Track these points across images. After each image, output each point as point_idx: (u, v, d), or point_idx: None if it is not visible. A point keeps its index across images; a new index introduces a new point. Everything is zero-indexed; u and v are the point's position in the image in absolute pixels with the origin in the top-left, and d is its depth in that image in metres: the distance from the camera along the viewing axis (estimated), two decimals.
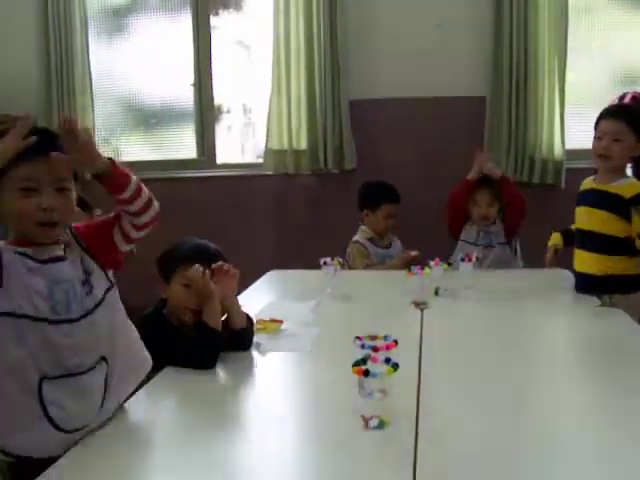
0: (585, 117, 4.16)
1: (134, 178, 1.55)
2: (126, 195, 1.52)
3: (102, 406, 1.53)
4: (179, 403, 1.78)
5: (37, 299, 1.44)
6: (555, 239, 2.98)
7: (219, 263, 2.07)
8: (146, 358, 1.70)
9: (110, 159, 1.51)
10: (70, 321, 1.48)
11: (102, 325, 1.54)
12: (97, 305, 1.53)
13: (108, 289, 1.58)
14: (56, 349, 1.45)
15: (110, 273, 1.61)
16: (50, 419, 1.45)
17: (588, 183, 2.81)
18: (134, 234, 1.60)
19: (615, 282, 2.67)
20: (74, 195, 1.55)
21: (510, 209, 3.46)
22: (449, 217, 3.55)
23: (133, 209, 1.55)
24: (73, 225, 1.59)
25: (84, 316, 1.50)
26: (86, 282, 1.52)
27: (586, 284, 2.73)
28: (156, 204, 1.61)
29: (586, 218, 2.75)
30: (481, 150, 3.60)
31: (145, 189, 1.57)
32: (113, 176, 1.51)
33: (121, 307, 1.63)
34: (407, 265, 3.41)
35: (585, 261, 2.74)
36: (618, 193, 2.65)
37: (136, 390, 1.67)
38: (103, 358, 1.54)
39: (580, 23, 4.26)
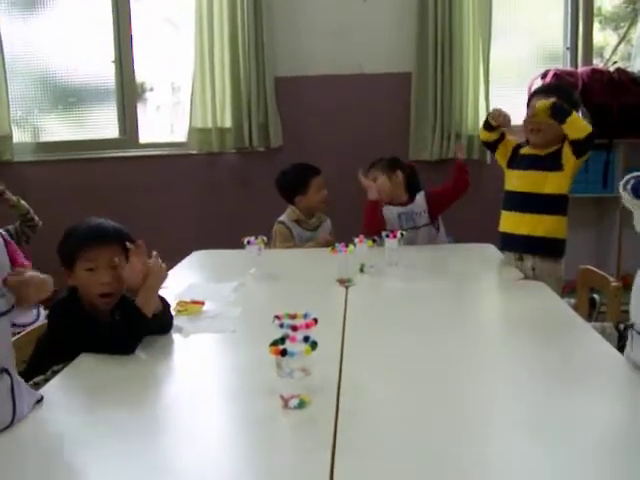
0: (509, 92, 4.23)
1: None
2: None
3: (13, 420, 1.38)
4: (96, 391, 1.67)
5: None
6: None
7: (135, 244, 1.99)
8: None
9: None
10: None
11: None
12: None
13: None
14: None
15: None
16: None
17: (525, 150, 2.88)
18: None
19: (541, 244, 2.76)
20: None
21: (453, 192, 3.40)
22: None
23: None
24: None
25: None
26: None
27: (511, 244, 2.84)
28: None
29: (519, 180, 2.84)
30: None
31: None
32: None
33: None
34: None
35: (514, 221, 2.83)
36: (552, 151, 2.75)
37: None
38: (4, 370, 1.38)
39: (503, 3, 4.31)
